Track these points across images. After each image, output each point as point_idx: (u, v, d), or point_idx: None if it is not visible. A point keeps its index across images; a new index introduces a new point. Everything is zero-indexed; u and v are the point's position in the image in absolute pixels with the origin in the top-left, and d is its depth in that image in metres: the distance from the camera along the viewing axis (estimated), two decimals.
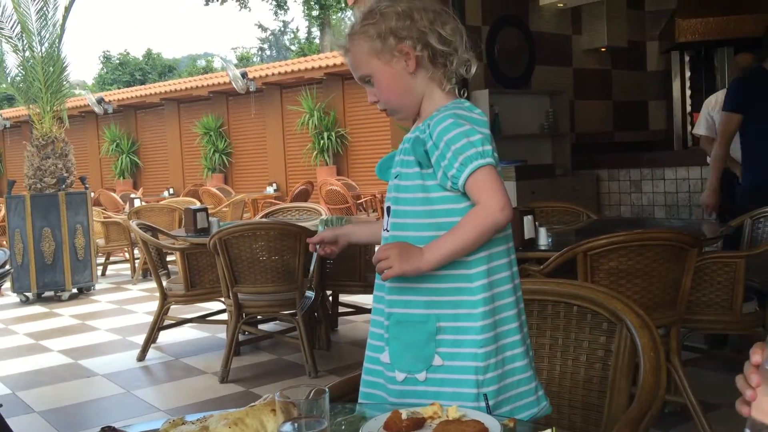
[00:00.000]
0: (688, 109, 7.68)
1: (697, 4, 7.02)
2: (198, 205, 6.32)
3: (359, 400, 1.47)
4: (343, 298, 5.34)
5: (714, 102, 4.87)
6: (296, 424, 0.97)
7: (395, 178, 1.44)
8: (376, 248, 1.47)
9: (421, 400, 1.29)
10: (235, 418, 1.06)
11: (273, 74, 13.82)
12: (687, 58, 7.73)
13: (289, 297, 4.14)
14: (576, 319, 1.71)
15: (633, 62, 7.73)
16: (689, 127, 7.50)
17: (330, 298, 5.02)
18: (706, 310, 3.19)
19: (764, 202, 3.76)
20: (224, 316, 4.76)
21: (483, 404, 1.34)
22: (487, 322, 1.36)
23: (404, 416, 1.12)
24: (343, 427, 1.20)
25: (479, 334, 1.35)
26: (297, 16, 48.84)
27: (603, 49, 7.24)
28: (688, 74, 7.75)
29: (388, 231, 1.45)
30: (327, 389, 0.98)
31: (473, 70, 1.47)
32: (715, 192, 4.22)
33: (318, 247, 1.58)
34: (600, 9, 6.95)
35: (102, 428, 1.02)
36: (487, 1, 6.27)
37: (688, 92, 7.73)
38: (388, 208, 1.46)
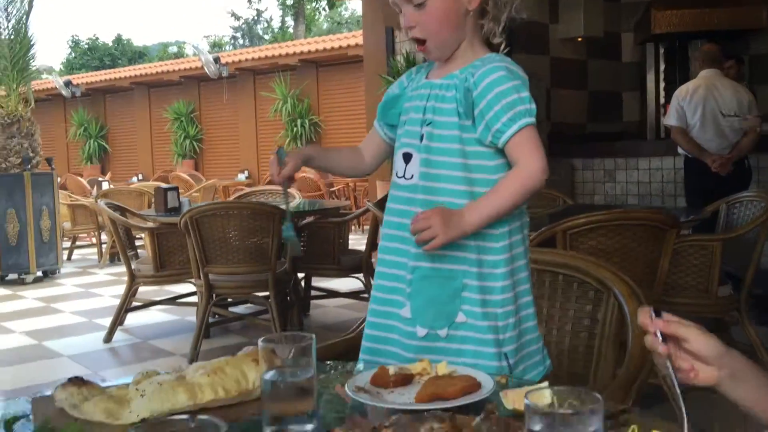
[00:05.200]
0: (662, 100, 7.70)
1: None
2: (169, 184, 6.18)
3: (361, 356, 1.41)
4: (316, 282, 5.27)
5: (685, 92, 4.85)
6: (281, 372, 0.90)
7: (428, 125, 1.36)
8: (410, 216, 1.31)
9: (441, 357, 1.22)
10: (214, 367, 1.00)
11: (246, 60, 13.65)
12: (662, 50, 7.75)
13: (261, 278, 4.06)
14: (562, 288, 1.67)
15: (608, 53, 7.74)
16: (662, 119, 7.54)
17: (302, 281, 4.95)
18: (682, 292, 3.20)
19: None
20: (194, 299, 4.66)
21: (504, 364, 1.32)
22: (508, 283, 1.35)
23: (392, 372, 1.07)
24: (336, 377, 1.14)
25: (501, 294, 1.34)
26: (271, 5, 48.33)
27: (579, 39, 7.23)
28: (662, 66, 7.76)
29: (406, 179, 1.38)
30: (313, 335, 0.92)
31: (497, 40, 1.43)
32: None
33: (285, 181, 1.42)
34: None
35: (69, 379, 0.95)
36: None
37: (662, 84, 7.75)
38: (407, 155, 1.39)
